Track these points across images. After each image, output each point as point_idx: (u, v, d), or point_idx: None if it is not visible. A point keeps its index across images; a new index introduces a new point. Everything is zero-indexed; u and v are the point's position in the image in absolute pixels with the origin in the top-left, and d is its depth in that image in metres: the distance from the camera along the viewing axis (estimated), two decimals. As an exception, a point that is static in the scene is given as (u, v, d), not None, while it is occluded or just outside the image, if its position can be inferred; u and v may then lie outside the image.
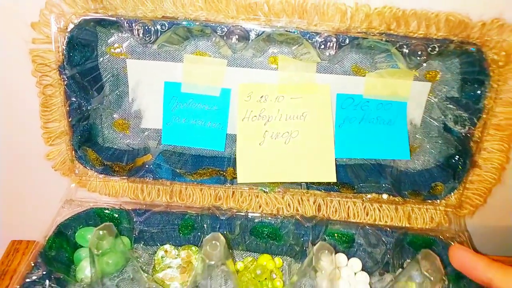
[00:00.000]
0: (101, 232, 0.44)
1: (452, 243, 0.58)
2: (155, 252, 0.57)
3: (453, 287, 0.57)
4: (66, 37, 0.51)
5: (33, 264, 0.49)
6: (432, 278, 0.44)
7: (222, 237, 0.44)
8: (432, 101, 0.60)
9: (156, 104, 0.61)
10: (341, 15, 0.50)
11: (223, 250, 0.43)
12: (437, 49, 0.51)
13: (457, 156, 0.59)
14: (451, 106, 0.58)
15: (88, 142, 0.60)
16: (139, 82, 0.60)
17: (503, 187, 0.61)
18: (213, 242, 0.43)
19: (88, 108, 0.55)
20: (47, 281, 0.49)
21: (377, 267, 0.59)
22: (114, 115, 0.62)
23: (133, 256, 0.51)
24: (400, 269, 0.59)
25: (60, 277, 0.49)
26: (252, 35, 0.50)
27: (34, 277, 0.48)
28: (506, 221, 0.70)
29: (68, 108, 0.53)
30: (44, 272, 0.49)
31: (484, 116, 0.54)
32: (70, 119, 0.55)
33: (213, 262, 0.43)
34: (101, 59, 0.58)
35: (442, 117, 0.59)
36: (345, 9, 0.50)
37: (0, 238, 0.61)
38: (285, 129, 0.59)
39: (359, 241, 0.59)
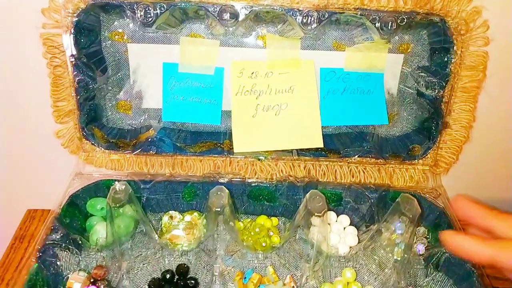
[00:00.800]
0: (117, 188, 0.49)
1: (429, 197, 0.65)
2: (161, 218, 0.62)
3: (432, 236, 0.63)
4: (73, 21, 0.56)
5: (52, 227, 0.53)
6: (410, 216, 0.50)
7: (225, 188, 0.49)
8: (406, 71, 0.66)
9: (155, 85, 0.66)
10: (320, -7, 0.57)
11: (227, 199, 0.48)
12: (405, 21, 0.58)
13: (430, 119, 0.65)
14: (422, 74, 0.64)
15: (94, 121, 0.65)
16: (139, 64, 0.65)
17: (472, 145, 0.68)
18: (218, 192, 0.49)
19: (94, 86, 0.60)
20: (64, 243, 0.53)
21: (363, 221, 0.64)
22: (117, 97, 0.67)
23: (145, 216, 0.55)
24: (385, 222, 0.65)
25: (76, 238, 0.54)
26: (242, 13, 0.56)
27: (53, 239, 0.53)
28: (477, 178, 0.77)
29: (76, 86, 0.58)
30: (62, 235, 0.54)
31: (451, 80, 0.61)
32: (78, 97, 0.60)
33: (219, 209, 0.48)
34: (104, 43, 0.63)
35: (415, 84, 0.66)
36: (324, -13, 0.56)
37: (17, 207, 0.65)
38: (275, 102, 0.65)
39: (346, 199, 0.64)
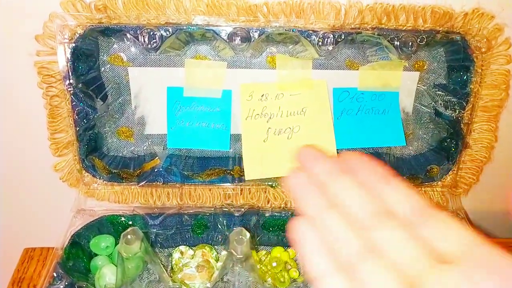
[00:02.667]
0: (129, 237, 0.45)
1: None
2: (171, 254, 0.58)
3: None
4: (70, 47, 0.52)
5: (55, 275, 0.49)
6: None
7: (246, 232, 0.46)
8: (422, 89, 0.64)
9: (159, 110, 0.62)
10: (335, 13, 0.53)
11: (249, 243, 0.45)
12: (425, 40, 0.55)
13: (449, 139, 0.62)
14: (440, 92, 0.62)
15: (94, 151, 0.60)
16: (141, 89, 0.61)
17: (494, 165, 0.65)
18: (240, 237, 0.45)
19: (95, 116, 0.56)
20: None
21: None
22: (118, 123, 0.62)
23: (158, 257, 0.51)
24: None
25: (83, 286, 0.50)
26: (254, 36, 0.53)
27: (57, 288, 0.49)
28: (497, 198, 0.74)
29: (75, 117, 0.54)
30: (67, 283, 0.49)
31: (472, 99, 0.58)
32: (77, 128, 0.55)
33: (241, 256, 0.44)
34: (103, 68, 0.59)
35: (433, 103, 0.63)
36: (339, 7, 0.53)
37: (14, 246, 0.61)
38: (287, 125, 0.62)
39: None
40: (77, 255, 0.54)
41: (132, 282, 0.50)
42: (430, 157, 0.66)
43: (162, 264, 0.56)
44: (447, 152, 0.63)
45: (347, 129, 0.63)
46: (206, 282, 0.53)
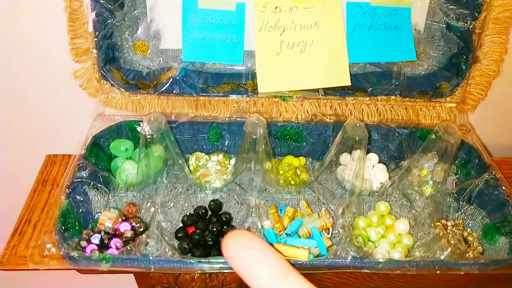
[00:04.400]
0: (152, 117, 0.47)
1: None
2: (187, 159, 0.61)
3: (462, 172, 0.62)
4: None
5: (79, 165, 0.51)
6: (452, 141, 0.49)
7: (262, 118, 0.48)
8: (434, 5, 0.64)
9: (174, 24, 0.63)
10: None
11: (264, 128, 0.47)
12: None
13: (460, 54, 0.63)
14: (452, 6, 0.62)
15: (112, 62, 0.62)
16: (156, 1, 0.62)
17: (502, 80, 0.66)
18: (255, 121, 0.47)
19: (112, 22, 0.57)
20: (93, 181, 0.52)
21: (392, 160, 0.64)
22: (134, 36, 0.63)
23: (178, 154, 0.53)
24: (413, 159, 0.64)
25: (105, 175, 0.52)
26: None
27: (82, 176, 0.51)
28: (504, 115, 0.76)
29: (94, 19, 0.55)
30: (90, 172, 0.52)
31: (484, 10, 0.59)
32: (96, 33, 0.57)
33: (256, 136, 0.46)
34: (120, -23, 0.59)
35: (445, 18, 0.63)
36: None
37: (36, 153, 0.63)
38: (300, 39, 0.63)
39: (374, 137, 0.63)
40: (98, 155, 0.57)
41: (154, 173, 0.53)
42: (440, 74, 0.67)
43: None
44: (457, 68, 0.64)
45: (360, 44, 0.64)
46: (222, 176, 0.55)
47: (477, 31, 0.60)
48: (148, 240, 0.46)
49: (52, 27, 0.59)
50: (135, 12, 0.62)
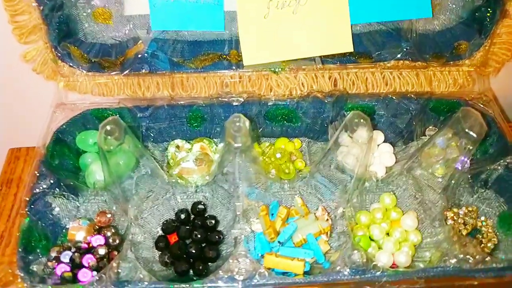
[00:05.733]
0: (108, 127, 0.39)
1: (476, 104, 0.56)
2: (166, 148, 0.54)
3: (479, 148, 0.55)
4: None
5: (38, 174, 0.45)
6: (475, 136, 0.41)
7: (245, 118, 0.40)
8: None
9: (138, -17, 0.52)
10: None
11: (248, 129, 0.39)
12: None
13: (485, 7, 0.53)
14: None
15: (68, 37, 0.52)
16: (113, -44, 0.50)
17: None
18: (237, 124, 0.39)
19: (60, -11, 0.47)
20: (56, 189, 0.46)
21: (400, 138, 0.56)
22: (92, 3, 0.53)
23: (147, 151, 0.46)
24: (423, 137, 0.57)
25: (70, 183, 0.46)
26: None
27: (42, 187, 0.45)
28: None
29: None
30: (52, 181, 0.45)
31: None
32: (41, 8, 0.47)
33: (239, 145, 0.39)
34: None
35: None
36: None
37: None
38: (292, -4, 0.52)
39: (380, 112, 0.55)
40: (63, 153, 0.50)
41: (122, 179, 0.46)
42: (459, 31, 0.56)
43: (156, 159, 0.51)
44: (480, 24, 0.54)
45: (364, 0, 0.53)
46: (205, 175, 0.49)
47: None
48: (119, 268, 0.41)
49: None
50: (88, -28, 0.51)
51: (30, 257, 0.41)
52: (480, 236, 0.49)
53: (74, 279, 0.42)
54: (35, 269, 0.41)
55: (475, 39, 0.54)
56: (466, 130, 0.43)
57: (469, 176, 0.52)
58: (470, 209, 0.50)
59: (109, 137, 0.39)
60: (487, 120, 0.54)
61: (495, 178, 0.50)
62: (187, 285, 0.39)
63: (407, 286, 0.41)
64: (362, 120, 0.41)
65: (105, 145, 0.39)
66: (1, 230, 0.49)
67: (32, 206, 0.44)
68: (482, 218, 0.50)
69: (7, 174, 0.54)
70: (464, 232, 0.49)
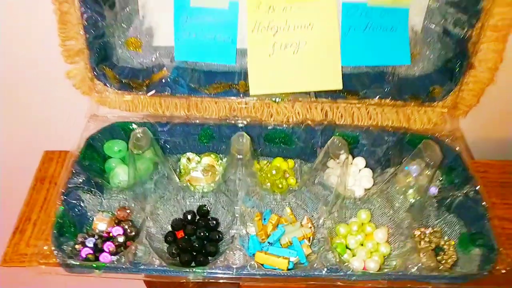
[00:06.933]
0: (138, 135, 0.48)
1: (446, 141, 0.65)
2: (179, 159, 0.63)
3: (446, 178, 0.64)
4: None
5: (74, 171, 0.54)
6: (432, 162, 0.50)
7: (246, 135, 0.49)
8: (433, 7, 0.62)
9: (166, 21, 0.62)
10: None
11: (249, 145, 0.48)
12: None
13: (455, 59, 0.62)
14: (451, 10, 0.60)
15: (104, 61, 0.62)
16: (148, -2, 0.61)
17: (495, 87, 0.66)
18: (240, 139, 0.48)
19: (103, 23, 0.57)
20: (86, 186, 0.55)
21: (379, 165, 0.65)
22: (126, 33, 0.63)
23: (166, 159, 0.55)
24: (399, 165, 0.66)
25: (98, 181, 0.54)
26: None
27: (75, 183, 0.54)
28: (497, 123, 0.76)
29: (85, 23, 0.55)
30: (83, 179, 0.54)
31: (482, 17, 0.57)
32: (87, 36, 0.57)
33: (241, 156, 0.48)
34: (110, -25, 0.58)
35: (442, 21, 0.62)
36: None
37: (34, 149, 0.66)
38: (293, 40, 0.62)
39: (363, 141, 0.64)
40: (92, 157, 0.59)
41: (143, 182, 0.55)
42: (434, 77, 0.66)
43: (171, 168, 0.60)
44: (451, 73, 0.63)
45: (354, 46, 0.63)
46: (210, 184, 0.58)
47: (473, 40, 0.59)
48: (137, 250, 0.49)
49: (49, 27, 0.59)
50: (127, 9, 0.61)
51: (61, 239, 0.50)
52: (442, 253, 0.57)
53: (96, 261, 0.50)
54: (64, 249, 0.49)
55: (447, 85, 0.64)
56: (426, 158, 0.52)
57: (436, 201, 0.61)
58: (435, 229, 0.59)
59: (138, 143, 0.48)
60: (454, 156, 0.63)
61: (457, 203, 0.59)
62: (190, 269, 0.47)
63: (373, 285, 0.49)
64: (340, 144, 0.50)
65: (134, 149, 0.48)
66: (34, 218, 0.58)
67: (66, 197, 0.52)
68: (445, 238, 0.58)
69: (41, 172, 0.63)
70: (429, 249, 0.57)
